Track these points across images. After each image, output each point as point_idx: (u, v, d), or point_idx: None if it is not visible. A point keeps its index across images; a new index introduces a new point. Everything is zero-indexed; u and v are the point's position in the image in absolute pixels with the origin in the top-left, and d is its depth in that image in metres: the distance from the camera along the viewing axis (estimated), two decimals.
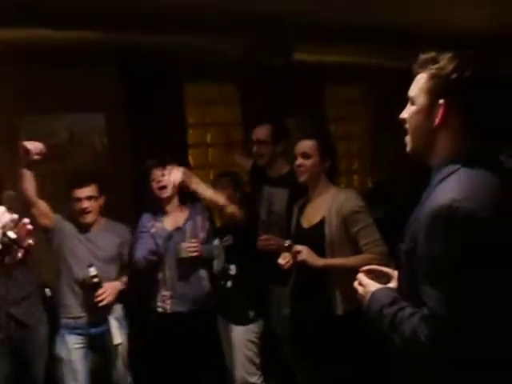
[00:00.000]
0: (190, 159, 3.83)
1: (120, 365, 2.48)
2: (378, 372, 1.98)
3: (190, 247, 2.45)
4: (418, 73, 1.17)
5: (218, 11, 2.93)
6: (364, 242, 2.05)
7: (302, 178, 2.17)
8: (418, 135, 1.17)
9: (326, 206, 2.10)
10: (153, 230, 2.53)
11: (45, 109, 3.21)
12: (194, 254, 2.46)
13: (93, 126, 3.40)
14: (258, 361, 2.52)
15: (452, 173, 1.10)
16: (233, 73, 3.65)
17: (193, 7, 2.87)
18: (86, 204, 2.43)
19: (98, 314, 2.42)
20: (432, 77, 1.13)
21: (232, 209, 2.45)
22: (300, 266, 2.08)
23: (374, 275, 1.27)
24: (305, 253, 2.03)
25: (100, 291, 2.36)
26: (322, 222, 2.09)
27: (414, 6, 3.18)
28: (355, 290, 1.26)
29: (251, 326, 2.51)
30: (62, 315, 2.47)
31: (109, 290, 2.40)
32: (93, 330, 2.44)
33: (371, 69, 3.98)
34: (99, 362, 2.51)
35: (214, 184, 2.66)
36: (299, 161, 2.15)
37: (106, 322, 2.43)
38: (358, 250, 2.07)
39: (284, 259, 2.14)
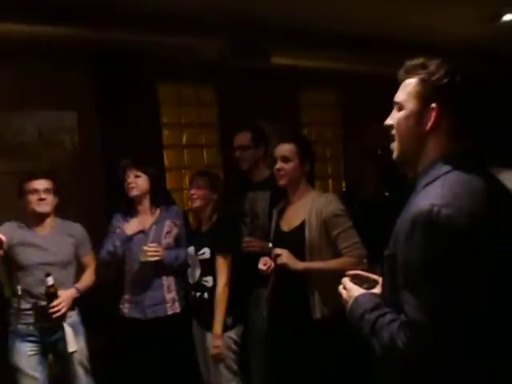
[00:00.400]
0: (165, 160, 3.79)
1: (80, 371, 2.39)
2: (356, 377, 1.99)
3: (149, 251, 2.39)
4: (404, 79, 1.17)
5: (195, 12, 2.93)
6: (344, 246, 2.05)
7: (282, 182, 2.16)
8: (407, 140, 1.16)
9: (306, 209, 2.09)
10: (117, 231, 2.49)
11: (14, 105, 3.11)
12: (153, 258, 2.39)
13: (63, 125, 3.32)
14: (235, 367, 2.45)
15: (438, 177, 1.09)
16: (210, 75, 3.64)
17: (169, 7, 2.86)
18: (43, 195, 2.36)
19: (51, 321, 2.32)
20: (422, 81, 1.13)
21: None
22: (279, 269, 2.07)
23: (360, 280, 1.27)
24: (285, 256, 2.02)
25: (55, 302, 2.28)
26: (302, 226, 2.08)
27: (388, 12, 3.25)
28: (339, 295, 1.26)
29: (229, 333, 2.42)
30: (12, 322, 2.36)
31: (64, 301, 2.31)
32: (46, 338, 2.35)
33: (345, 74, 4.04)
34: (56, 368, 2.43)
35: (190, 184, 2.59)
36: (279, 164, 2.15)
37: (60, 328, 2.34)
38: (337, 254, 2.07)
39: (264, 264, 2.13)
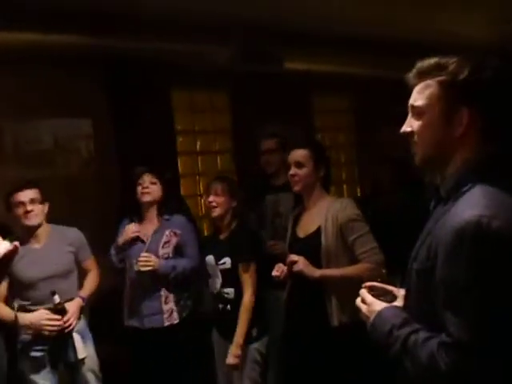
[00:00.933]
0: (179, 167, 3.80)
1: (91, 378, 2.37)
2: None
3: (141, 261, 2.36)
4: (416, 82, 1.08)
5: (207, 19, 2.94)
6: (361, 251, 2.00)
7: (297, 188, 2.13)
8: (432, 148, 1.07)
9: (322, 215, 2.05)
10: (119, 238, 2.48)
11: (30, 113, 3.15)
12: (145, 268, 2.35)
13: (79, 132, 3.35)
14: (260, 380, 2.36)
15: (471, 186, 1.01)
16: (222, 80, 3.65)
17: (182, 14, 2.88)
18: (29, 207, 2.27)
19: (60, 335, 2.28)
20: (445, 84, 1.04)
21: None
22: (295, 275, 2.03)
23: (377, 292, 1.19)
24: (301, 263, 1.97)
25: (65, 318, 2.25)
26: (317, 231, 2.04)
27: (402, 17, 3.23)
28: (358, 309, 1.18)
29: (254, 345, 2.32)
30: (22, 332, 2.30)
31: (73, 315, 2.29)
32: (55, 348, 2.31)
33: (358, 79, 4.02)
34: (67, 377, 2.38)
35: (207, 190, 2.50)
36: (293, 170, 2.11)
37: (68, 336, 2.30)
38: (354, 260, 2.02)
39: (278, 271, 2.08)
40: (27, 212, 2.28)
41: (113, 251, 2.47)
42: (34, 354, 2.29)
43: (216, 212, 2.37)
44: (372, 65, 3.92)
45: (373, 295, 1.17)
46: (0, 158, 3.07)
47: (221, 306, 2.37)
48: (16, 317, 2.18)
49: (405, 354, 1.00)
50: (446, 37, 3.49)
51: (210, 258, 2.39)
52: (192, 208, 3.44)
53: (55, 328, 2.22)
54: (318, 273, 1.99)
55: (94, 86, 3.34)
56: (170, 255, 2.47)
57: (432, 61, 1.07)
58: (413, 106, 1.09)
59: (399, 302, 1.15)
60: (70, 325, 2.26)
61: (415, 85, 1.09)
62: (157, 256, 2.40)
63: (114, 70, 3.35)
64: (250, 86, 3.66)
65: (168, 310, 2.45)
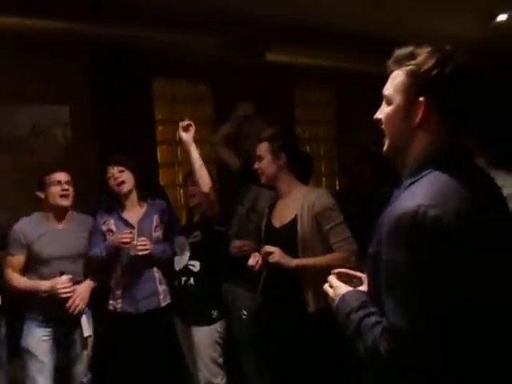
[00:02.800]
0: (159, 156, 3.78)
1: (84, 359, 2.45)
2: (350, 372, 1.94)
3: (138, 245, 2.40)
4: (393, 70, 1.10)
5: (191, 9, 2.92)
6: (335, 240, 2.05)
7: (262, 180, 2.21)
8: (396, 135, 1.11)
9: (298, 204, 2.09)
10: (104, 228, 2.50)
11: (8, 99, 3.09)
12: (143, 252, 2.39)
13: (56, 119, 3.31)
14: (221, 360, 2.49)
15: (424, 175, 1.04)
16: (205, 71, 3.64)
17: (166, 4, 2.85)
18: (66, 186, 2.40)
19: (68, 315, 2.36)
20: (410, 74, 1.06)
21: (212, 196, 2.38)
22: (271, 266, 2.06)
23: (346, 278, 1.24)
24: (277, 254, 2.00)
25: (70, 302, 2.33)
26: (293, 221, 2.07)
27: (388, 12, 3.26)
28: (325, 293, 1.23)
29: (215, 326, 2.46)
30: (29, 307, 2.39)
31: (80, 296, 2.36)
32: (61, 326, 2.39)
33: (340, 72, 4.05)
34: (61, 356, 2.45)
35: (185, 182, 2.60)
36: (256, 164, 2.20)
37: (77, 315, 2.39)
38: (329, 248, 2.07)
39: (253, 261, 2.10)
40: (64, 190, 2.39)
41: (104, 253, 2.44)
42: (40, 328, 2.35)
43: (194, 201, 2.55)
44: (355, 59, 3.95)
45: (341, 281, 1.22)
46: None
47: (184, 279, 2.47)
48: (31, 283, 2.30)
49: (357, 337, 1.06)
50: (431, 34, 3.54)
51: (180, 237, 2.53)
52: (171, 197, 3.43)
53: (67, 294, 2.32)
54: (294, 262, 2.02)
55: (73, 73, 3.29)
56: (161, 238, 2.54)
57: (407, 50, 1.09)
58: (384, 95, 1.13)
59: (364, 287, 1.20)
60: (76, 306, 2.34)
61: (391, 73, 1.12)
62: (150, 240, 2.45)
63: (94, 58, 3.31)
64: (232, 77, 3.65)
65: (163, 290, 2.52)
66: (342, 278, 1.25)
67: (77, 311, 2.35)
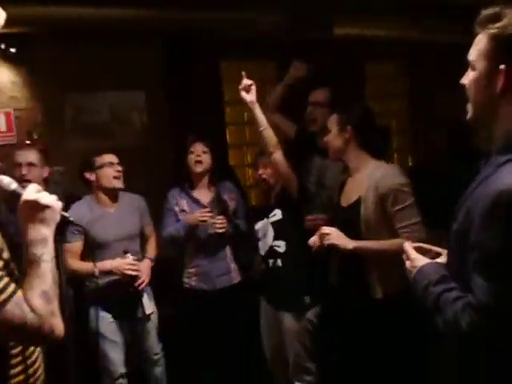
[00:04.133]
0: (228, 137, 3.85)
1: (153, 333, 2.51)
2: (415, 357, 1.91)
3: (216, 223, 2.46)
4: (477, 33, 1.04)
5: None
6: (401, 225, 1.88)
7: (330, 155, 2.11)
8: (478, 103, 1.06)
9: (363, 184, 1.95)
10: (176, 208, 2.57)
11: (87, 87, 3.28)
12: (221, 230, 2.46)
13: (133, 104, 3.46)
14: (311, 346, 2.34)
15: None
16: (271, 49, 3.61)
17: None
18: (119, 167, 2.41)
19: (131, 292, 2.43)
20: (492, 37, 1.00)
21: (279, 156, 2.22)
22: (328, 247, 1.94)
23: (422, 253, 1.22)
24: (333, 236, 1.89)
25: (141, 279, 2.38)
26: (357, 202, 1.95)
27: None
28: (403, 263, 1.22)
29: (307, 314, 2.30)
30: (92, 290, 2.41)
31: (145, 272, 2.42)
32: (124, 305, 2.44)
33: (412, 43, 3.84)
34: (131, 332, 2.53)
35: (256, 163, 2.54)
36: (325, 138, 2.09)
37: (139, 293, 2.46)
38: (396, 233, 1.90)
39: (313, 240, 1.96)
40: (118, 172, 2.40)
41: (182, 232, 2.50)
42: (104, 310, 2.41)
43: (266, 183, 2.46)
44: (425, 29, 3.72)
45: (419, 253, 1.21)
46: (62, 129, 3.25)
47: (271, 261, 2.38)
48: (95, 265, 2.25)
49: (436, 311, 1.06)
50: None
51: (261, 222, 2.45)
52: (240, 178, 3.50)
53: (134, 272, 2.35)
54: (351, 245, 1.88)
55: (147, 58, 3.41)
56: (231, 217, 2.58)
57: (492, 10, 1.02)
58: (468, 59, 1.07)
59: (442, 259, 1.18)
60: (142, 282, 2.39)
61: (476, 35, 1.05)
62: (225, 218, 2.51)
63: (165, 43, 3.41)
64: (299, 53, 3.60)
65: (234, 268, 2.59)
66: (419, 250, 1.23)
67: (142, 286, 2.39)
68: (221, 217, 2.49)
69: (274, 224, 2.40)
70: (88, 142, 3.22)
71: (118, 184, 2.43)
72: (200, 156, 2.54)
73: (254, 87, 2.20)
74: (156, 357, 2.55)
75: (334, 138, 2.05)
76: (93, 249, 2.39)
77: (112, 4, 2.88)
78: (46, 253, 1.12)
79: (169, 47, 3.44)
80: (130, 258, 2.37)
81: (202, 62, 3.48)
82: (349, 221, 1.97)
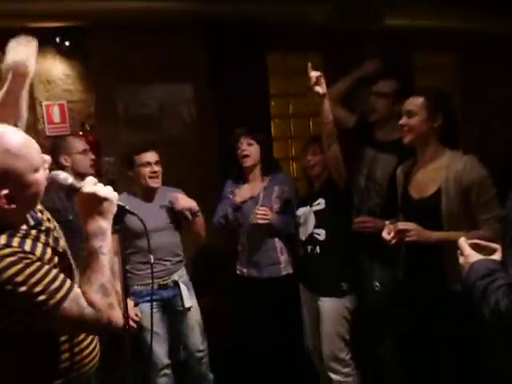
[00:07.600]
0: (272, 130, 3.84)
1: (196, 330, 2.54)
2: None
3: (258, 214, 2.47)
4: None
5: None
6: (484, 217, 1.84)
7: (407, 139, 1.96)
8: None
9: (441, 175, 1.88)
10: (230, 197, 2.63)
11: (136, 80, 3.35)
12: (262, 221, 2.47)
13: (181, 97, 3.51)
14: (348, 337, 2.39)
15: None
16: (319, 41, 3.56)
17: None
18: (155, 167, 2.44)
19: (167, 279, 2.48)
20: None
21: (340, 159, 2.27)
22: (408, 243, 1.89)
23: (479, 249, 1.22)
24: (415, 233, 1.83)
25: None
26: (437, 194, 1.87)
27: None
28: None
29: (343, 300, 2.36)
30: (132, 284, 2.45)
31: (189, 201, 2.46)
32: (165, 294, 2.48)
33: (460, 34, 3.69)
34: (173, 325, 2.57)
35: (304, 151, 2.56)
36: (403, 120, 1.94)
37: (175, 286, 2.50)
38: (475, 224, 1.87)
39: (389, 234, 1.90)
40: (154, 172, 2.44)
41: (229, 209, 2.59)
42: (145, 302, 2.44)
43: (315, 170, 2.48)
44: (477, 19, 3.57)
45: (475, 250, 1.21)
46: (113, 122, 3.35)
47: (310, 248, 2.42)
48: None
49: (482, 302, 1.08)
50: None
51: (303, 208, 2.49)
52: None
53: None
54: (434, 237, 1.84)
55: (194, 50, 3.44)
56: (282, 208, 2.60)
57: None
58: None
59: (498, 255, 1.18)
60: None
61: None
62: (271, 210, 2.53)
63: (211, 35, 3.42)
64: (347, 45, 3.53)
65: (284, 260, 2.59)
66: (474, 247, 1.24)
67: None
68: (263, 208, 2.49)
69: (316, 212, 2.43)
70: (138, 134, 3.29)
71: (154, 183, 2.47)
72: (246, 150, 2.57)
73: (322, 79, 2.16)
74: (199, 354, 2.57)
75: (420, 123, 1.92)
76: (132, 241, 2.41)
77: None
78: (104, 245, 1.17)
79: (215, 40, 3.46)
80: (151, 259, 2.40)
81: (248, 54, 3.47)
82: (427, 213, 1.89)
